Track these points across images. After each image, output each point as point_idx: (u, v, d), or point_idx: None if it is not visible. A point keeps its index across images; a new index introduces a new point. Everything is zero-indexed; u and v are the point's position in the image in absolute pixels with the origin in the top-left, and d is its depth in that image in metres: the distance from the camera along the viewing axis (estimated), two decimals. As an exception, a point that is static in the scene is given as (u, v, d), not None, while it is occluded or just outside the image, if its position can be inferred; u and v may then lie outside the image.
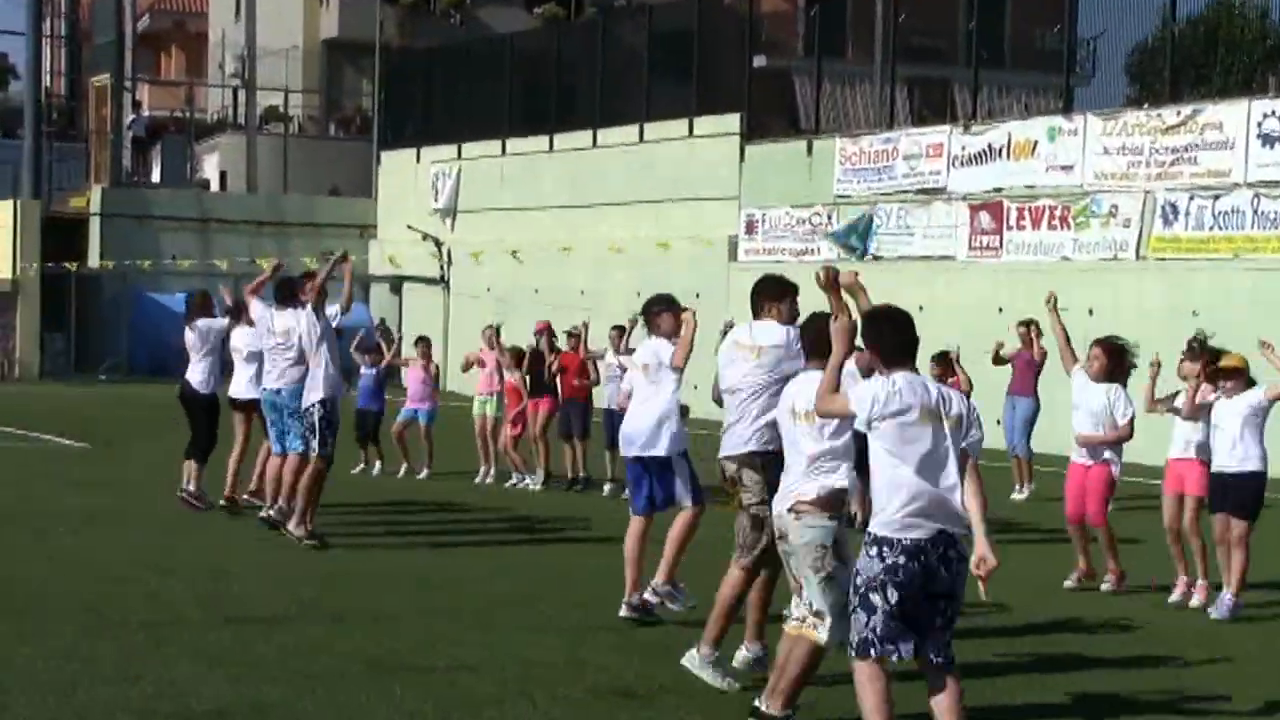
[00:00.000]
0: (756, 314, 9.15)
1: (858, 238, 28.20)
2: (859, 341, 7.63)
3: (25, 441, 23.12)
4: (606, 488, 17.93)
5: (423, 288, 39.58)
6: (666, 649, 9.48)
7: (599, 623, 10.58)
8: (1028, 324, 19.23)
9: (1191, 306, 22.67)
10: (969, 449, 7.16)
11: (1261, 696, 9.25)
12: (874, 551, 7.04)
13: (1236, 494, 11.69)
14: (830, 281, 8.16)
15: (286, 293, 14.70)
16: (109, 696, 8.47)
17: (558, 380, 19.16)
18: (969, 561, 7.06)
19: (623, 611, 10.56)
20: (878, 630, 7.01)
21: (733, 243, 31.10)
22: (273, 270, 15.47)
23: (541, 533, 15.41)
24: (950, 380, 16.39)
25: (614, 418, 16.62)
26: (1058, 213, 25.12)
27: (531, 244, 35.78)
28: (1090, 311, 22.91)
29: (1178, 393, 12.22)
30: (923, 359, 8.07)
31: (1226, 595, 11.66)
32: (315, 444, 13.82)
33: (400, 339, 23.57)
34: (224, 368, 16.28)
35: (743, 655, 9.18)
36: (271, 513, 14.35)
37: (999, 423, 19.78)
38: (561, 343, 19.61)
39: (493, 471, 19.38)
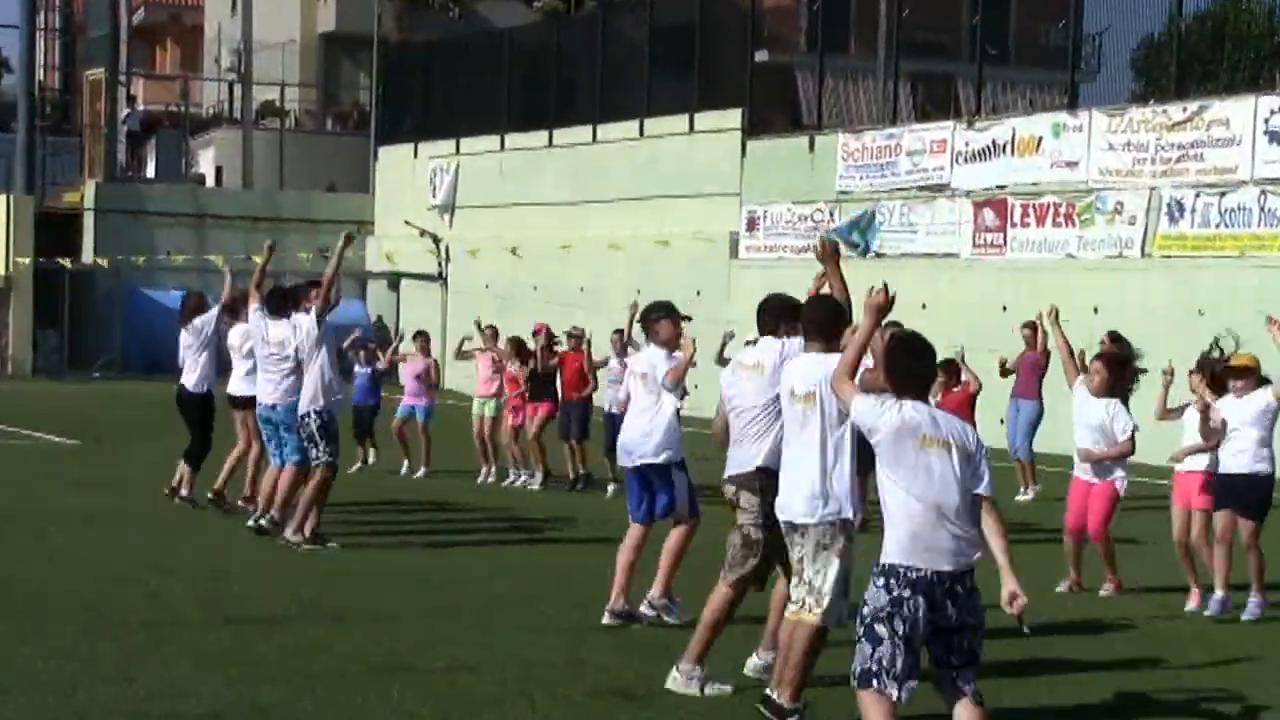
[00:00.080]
0: (769, 333, 9.02)
1: (860, 234, 28.25)
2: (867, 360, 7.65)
3: (17, 439, 23.19)
4: (610, 488, 17.97)
5: (420, 285, 39.64)
6: (666, 649, 9.55)
7: (599, 623, 10.64)
8: (1032, 325, 19.30)
9: (1197, 305, 22.75)
10: (984, 490, 7.09)
11: (1264, 697, 9.33)
12: (880, 582, 6.98)
13: (1245, 495, 11.68)
14: (828, 253, 8.34)
15: (279, 303, 14.48)
16: (106, 697, 8.56)
17: (557, 382, 19.20)
18: (977, 594, 7.03)
19: (605, 619, 10.59)
20: (883, 662, 6.90)
21: (734, 239, 31.16)
22: (268, 252, 15.08)
23: (542, 533, 15.48)
24: (957, 387, 16.45)
25: (615, 421, 16.67)
26: (1062, 210, 25.18)
27: (530, 241, 35.84)
28: (1095, 310, 22.99)
29: (1187, 405, 12.22)
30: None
31: (1253, 599, 11.70)
32: (319, 452, 13.76)
33: (400, 338, 23.62)
34: (222, 365, 16.33)
35: (754, 662, 9.21)
36: (262, 521, 14.29)
37: (1002, 422, 19.87)
38: (562, 342, 19.65)
39: (493, 471, 19.46)
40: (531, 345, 19.31)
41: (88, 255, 39.19)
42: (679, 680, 8.94)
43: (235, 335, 15.91)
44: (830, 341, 8.32)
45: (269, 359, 14.35)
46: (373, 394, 20.25)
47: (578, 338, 19.31)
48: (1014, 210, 25.92)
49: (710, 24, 33.69)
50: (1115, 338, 16.83)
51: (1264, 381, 11.85)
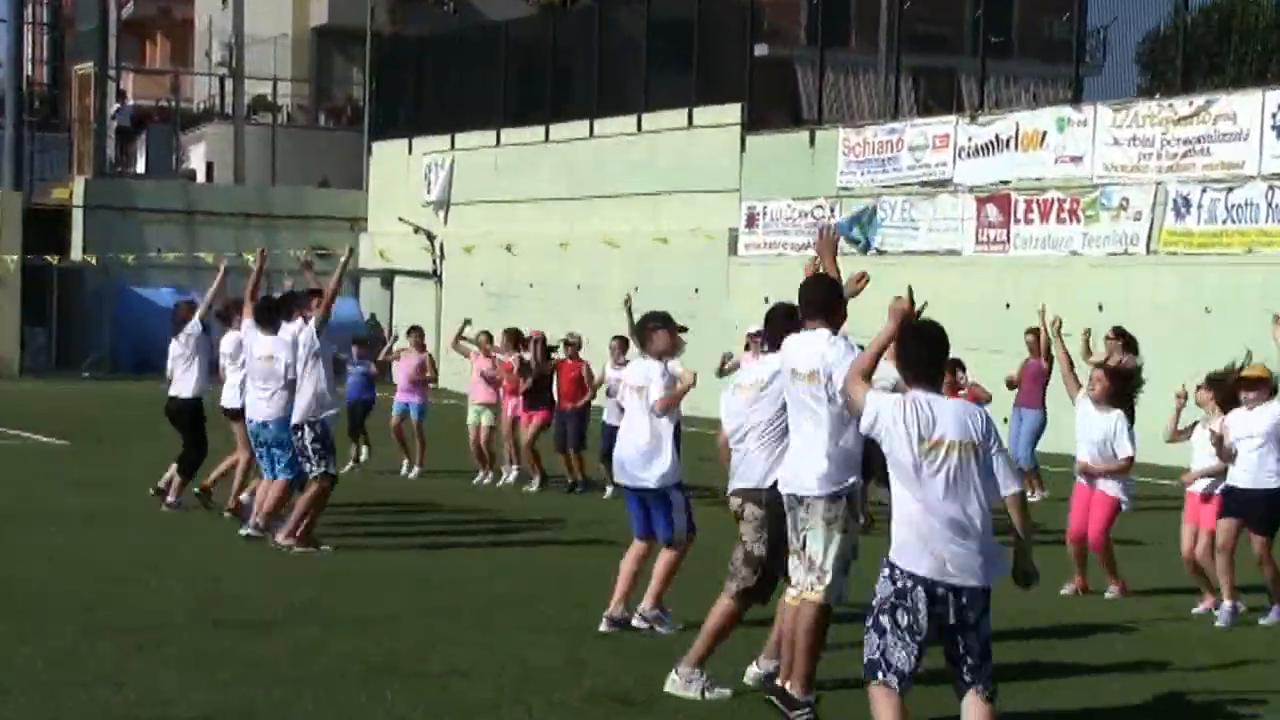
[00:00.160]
0: (775, 345, 8.99)
1: (860, 230, 28.22)
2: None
3: (5, 439, 23.16)
4: (608, 490, 17.94)
5: (414, 282, 39.61)
6: (666, 653, 9.54)
7: (599, 624, 10.63)
8: (1035, 331, 19.24)
9: (1204, 302, 22.76)
10: (1004, 491, 7.14)
11: (1273, 700, 9.34)
12: (886, 573, 7.10)
13: (1255, 509, 11.54)
14: (826, 242, 8.50)
15: (269, 315, 14.24)
16: (96, 700, 8.55)
17: (553, 389, 19.13)
18: (984, 599, 7.06)
19: (603, 626, 10.56)
20: (886, 653, 7.01)
21: (733, 236, 31.15)
22: (261, 259, 14.97)
23: (540, 533, 15.50)
24: (963, 390, 16.41)
25: (613, 433, 16.56)
26: (1067, 205, 25.17)
27: (526, 238, 35.83)
28: (1100, 307, 22.97)
29: (1195, 424, 12.17)
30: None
31: (1275, 609, 11.66)
32: (314, 466, 13.69)
33: (394, 338, 23.60)
34: (212, 367, 16.29)
35: (754, 671, 9.16)
36: (251, 530, 14.23)
37: (1005, 421, 19.84)
38: (558, 348, 19.55)
39: (489, 476, 19.43)
40: (526, 354, 19.22)
41: (76, 252, 39.16)
42: (678, 683, 8.93)
43: (228, 343, 15.79)
44: (830, 318, 8.39)
45: (256, 373, 14.20)
46: (366, 390, 20.25)
47: (575, 345, 19.26)
48: (1017, 206, 25.91)
49: (709, 17, 33.69)
50: (1120, 333, 16.85)
51: (1276, 392, 11.74)
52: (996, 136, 26.51)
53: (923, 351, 7.26)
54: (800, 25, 37.39)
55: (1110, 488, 12.46)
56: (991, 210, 26.30)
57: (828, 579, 8.19)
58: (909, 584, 6.98)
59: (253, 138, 45.49)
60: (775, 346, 8.95)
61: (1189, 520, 12.11)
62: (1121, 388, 12.53)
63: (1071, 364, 13.10)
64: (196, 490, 15.93)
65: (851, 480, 8.32)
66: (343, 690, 8.90)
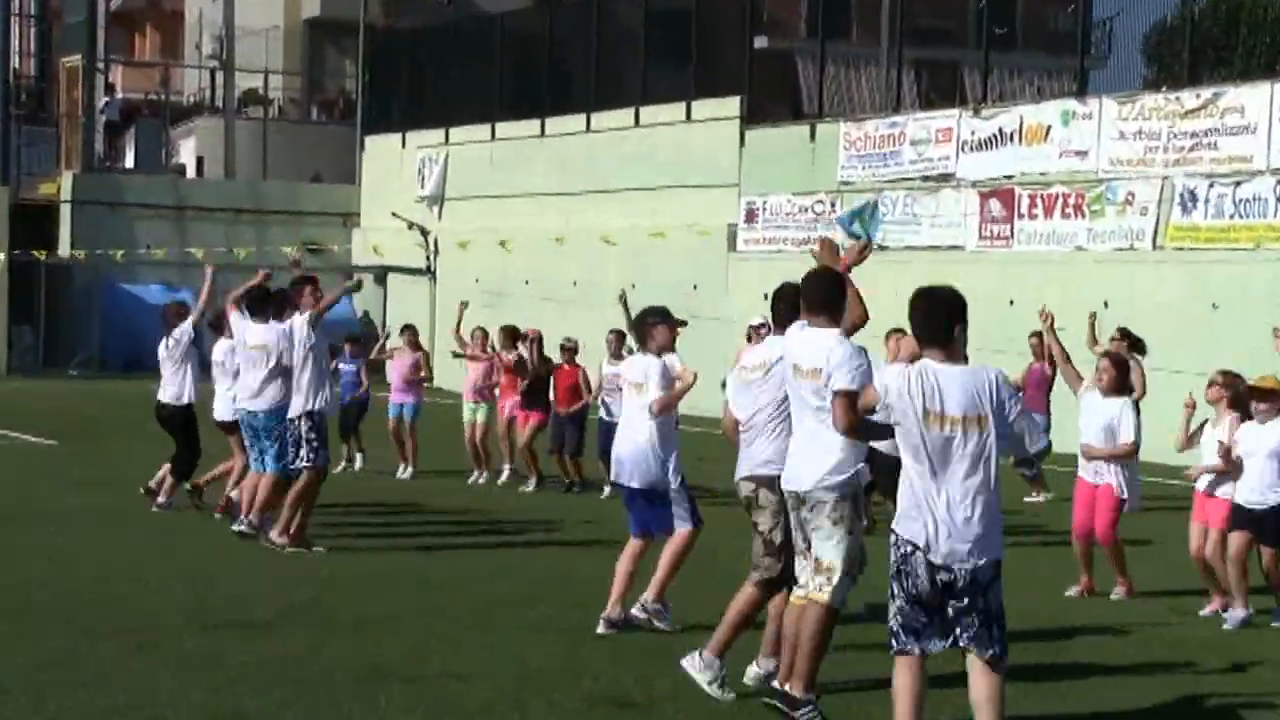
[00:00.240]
0: (785, 323, 8.96)
1: (862, 225, 28.16)
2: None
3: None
4: (606, 490, 17.95)
5: (408, 278, 39.62)
6: (666, 655, 9.55)
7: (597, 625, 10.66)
8: (1039, 334, 19.22)
9: (1211, 299, 22.77)
10: (1029, 441, 7.40)
11: (1276, 703, 9.36)
12: (891, 539, 7.34)
13: (1266, 524, 11.48)
14: (827, 252, 8.73)
15: (260, 305, 14.36)
16: (90, 702, 8.57)
17: (550, 391, 19.14)
18: (990, 570, 7.19)
19: (600, 628, 10.57)
20: (898, 620, 7.27)
21: (732, 232, 31.17)
22: (263, 280, 15.02)
23: (538, 533, 15.53)
24: None
25: (610, 430, 16.56)
26: (1071, 200, 25.18)
27: (522, 233, 35.82)
28: (1105, 304, 22.93)
29: (1205, 422, 12.15)
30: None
31: None
32: (304, 456, 13.72)
33: (387, 335, 23.59)
34: (203, 365, 16.29)
35: (754, 671, 9.18)
36: (244, 527, 14.25)
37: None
38: (554, 348, 19.55)
39: (484, 475, 19.44)
40: (523, 348, 19.23)
41: (64, 248, 39.13)
42: (697, 664, 8.96)
43: (219, 351, 15.76)
44: (833, 315, 8.42)
45: (248, 361, 14.26)
46: (361, 390, 20.23)
47: (571, 350, 19.28)
48: (1021, 201, 25.92)
49: (707, 9, 33.71)
50: (1126, 334, 16.87)
51: None
52: (1000, 130, 26.52)
53: (928, 313, 7.38)
54: (800, 17, 37.42)
55: (1113, 481, 12.43)
56: (995, 205, 26.32)
57: (836, 578, 8.18)
58: (909, 549, 7.21)
59: (244, 132, 45.48)
60: (783, 324, 8.97)
61: (1197, 518, 12.10)
62: (1128, 374, 12.58)
63: (1067, 357, 13.12)
64: (188, 487, 15.99)
65: (854, 475, 8.31)
66: (341, 692, 8.92)
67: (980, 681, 7.20)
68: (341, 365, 20.12)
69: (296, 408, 13.75)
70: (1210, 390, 12.13)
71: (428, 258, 39.43)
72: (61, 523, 15.19)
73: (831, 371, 8.12)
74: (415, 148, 40.18)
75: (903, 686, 7.27)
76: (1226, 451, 11.57)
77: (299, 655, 9.82)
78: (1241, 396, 11.79)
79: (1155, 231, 24.03)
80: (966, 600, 7.16)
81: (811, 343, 8.37)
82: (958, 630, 7.19)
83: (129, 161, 46.68)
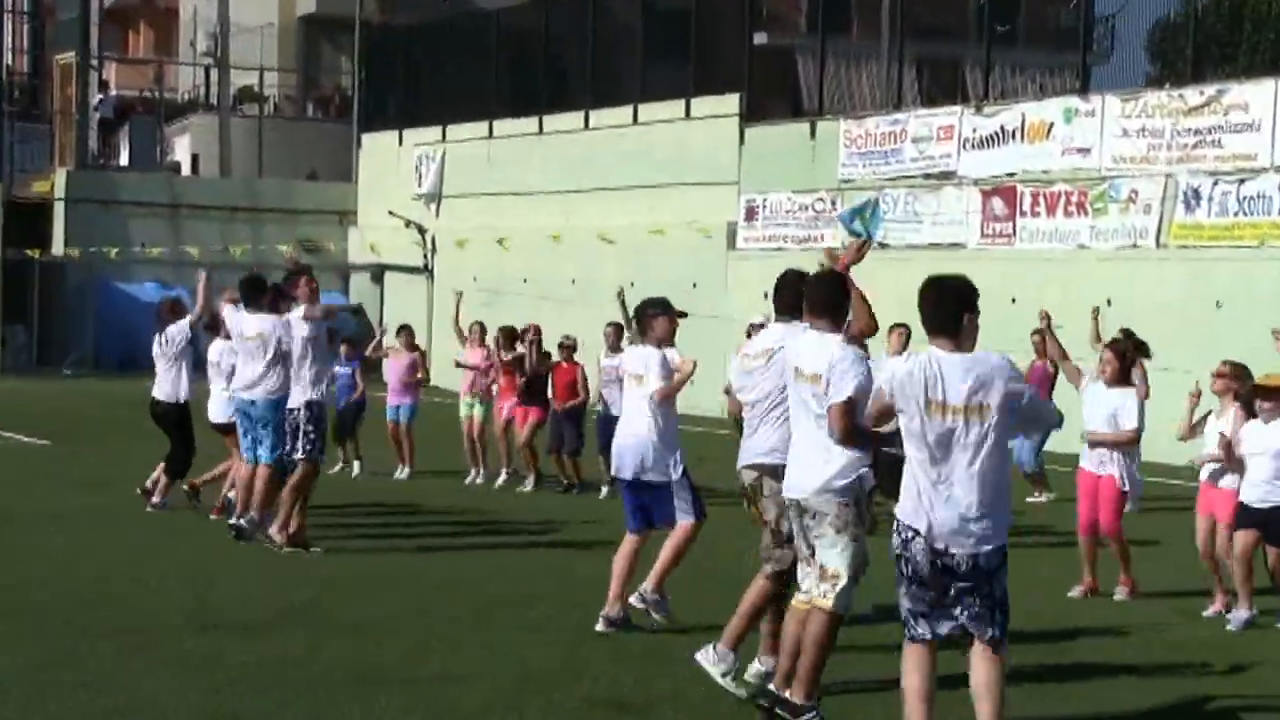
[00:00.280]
0: (788, 312, 9.01)
1: (862, 223, 28.18)
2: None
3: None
4: (604, 489, 17.99)
5: (405, 277, 39.65)
6: (665, 655, 9.58)
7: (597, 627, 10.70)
8: (1041, 333, 19.23)
9: (1215, 297, 22.80)
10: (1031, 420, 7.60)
11: (1273, 703, 9.41)
12: (895, 525, 7.46)
13: (1271, 524, 11.48)
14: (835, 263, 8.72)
15: (256, 295, 14.40)
16: (89, 702, 8.60)
17: (548, 388, 19.16)
18: (994, 558, 7.28)
19: (600, 626, 10.61)
20: (906, 605, 7.40)
21: (731, 230, 31.19)
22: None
23: (538, 534, 15.55)
24: None
25: (610, 424, 16.59)
26: (1074, 198, 25.21)
27: (519, 231, 35.84)
28: (1108, 302, 22.95)
29: (1210, 413, 12.18)
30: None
31: None
32: (300, 447, 13.78)
33: (383, 332, 23.61)
34: (197, 363, 16.31)
35: (756, 668, 9.22)
36: (242, 522, 14.27)
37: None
38: (552, 346, 19.56)
39: (481, 475, 19.47)
40: (522, 348, 19.24)
41: (58, 247, 39.15)
42: (711, 657, 9.00)
43: (215, 351, 15.79)
44: (835, 319, 8.45)
45: (246, 351, 14.28)
46: (356, 394, 20.24)
47: (570, 348, 19.30)
48: (1024, 199, 25.95)
49: (707, 5, 33.73)
50: (1128, 335, 16.89)
51: None
52: (1002, 127, 26.54)
53: (937, 302, 7.48)
54: (800, 13, 37.41)
55: (1115, 473, 12.46)
56: (997, 203, 26.34)
57: (841, 584, 8.19)
58: (910, 535, 7.33)
59: (239, 129, 45.48)
60: (785, 312, 9.01)
61: (1203, 511, 12.12)
62: (1131, 365, 12.66)
63: (1065, 354, 13.16)
64: (185, 487, 16.03)
65: (856, 480, 8.32)
66: (340, 693, 8.95)
67: (980, 668, 7.29)
68: (337, 368, 20.13)
69: (296, 398, 13.84)
70: (1216, 381, 12.16)
71: (425, 256, 39.45)
72: (61, 523, 15.26)
73: (831, 379, 8.14)
74: (412, 145, 40.20)
75: (911, 687, 7.33)
76: (1228, 444, 11.60)
77: (298, 656, 9.85)
78: (1249, 395, 11.79)
79: (1158, 230, 24.05)
80: (970, 582, 7.25)
81: (813, 346, 8.36)
82: (959, 610, 7.27)
83: (123, 159, 46.71)
